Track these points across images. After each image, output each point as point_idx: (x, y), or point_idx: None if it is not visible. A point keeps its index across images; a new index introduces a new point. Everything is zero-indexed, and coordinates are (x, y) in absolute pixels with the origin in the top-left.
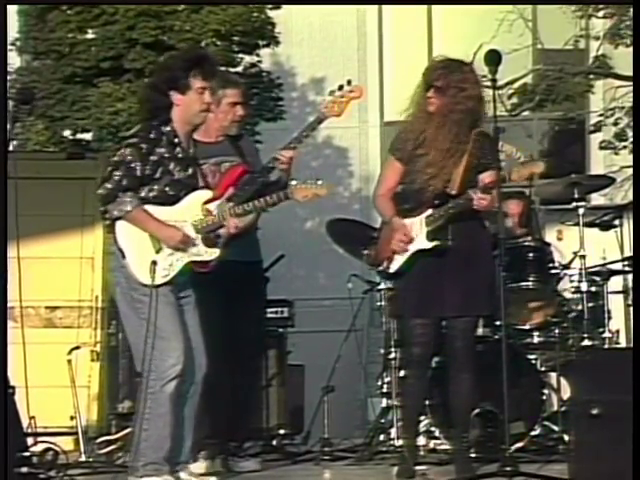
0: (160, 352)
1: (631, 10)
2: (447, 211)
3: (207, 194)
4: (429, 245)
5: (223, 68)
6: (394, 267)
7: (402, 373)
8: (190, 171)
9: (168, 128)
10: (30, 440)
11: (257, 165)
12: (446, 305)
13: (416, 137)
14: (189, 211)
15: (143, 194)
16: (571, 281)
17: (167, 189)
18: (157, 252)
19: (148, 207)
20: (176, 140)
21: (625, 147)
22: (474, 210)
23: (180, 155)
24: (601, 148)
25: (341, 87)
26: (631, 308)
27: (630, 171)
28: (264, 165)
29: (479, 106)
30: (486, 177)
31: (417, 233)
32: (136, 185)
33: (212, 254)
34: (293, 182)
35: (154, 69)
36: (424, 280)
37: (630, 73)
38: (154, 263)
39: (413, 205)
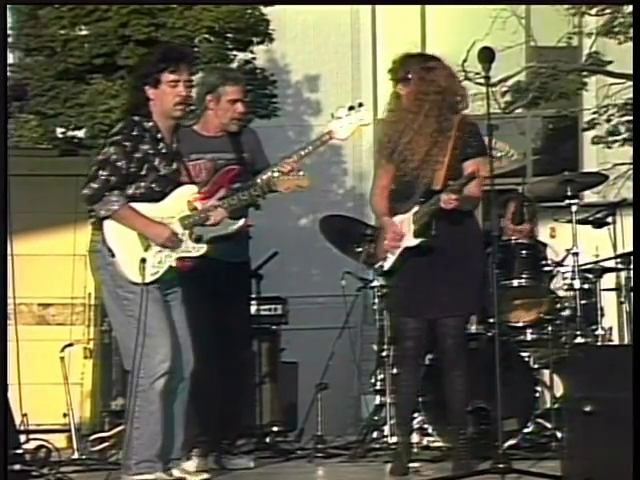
0: (148, 349)
1: (625, 7)
2: (430, 207)
3: (192, 189)
4: (414, 242)
5: (219, 65)
6: (387, 265)
7: (395, 370)
8: (174, 166)
9: (150, 123)
10: (23, 437)
11: (260, 159)
12: (434, 305)
13: (400, 131)
14: (175, 207)
15: (130, 192)
16: (564, 278)
17: (153, 185)
18: (146, 250)
19: (134, 204)
20: (159, 135)
21: (616, 141)
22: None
23: (164, 150)
24: (594, 143)
25: (351, 108)
26: (624, 305)
27: (623, 168)
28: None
29: (451, 89)
30: (468, 167)
31: (406, 230)
32: (122, 183)
33: (200, 250)
34: (275, 174)
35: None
36: (413, 278)
37: (624, 70)
38: (143, 261)
39: (404, 202)
